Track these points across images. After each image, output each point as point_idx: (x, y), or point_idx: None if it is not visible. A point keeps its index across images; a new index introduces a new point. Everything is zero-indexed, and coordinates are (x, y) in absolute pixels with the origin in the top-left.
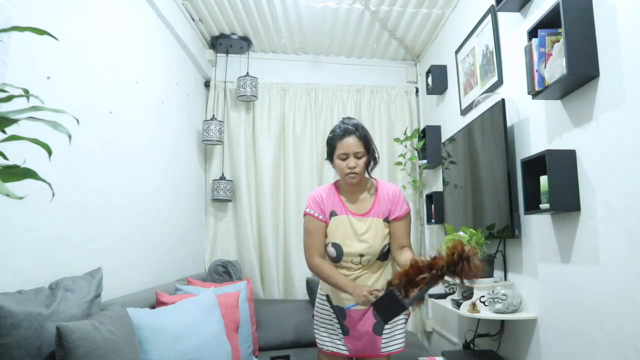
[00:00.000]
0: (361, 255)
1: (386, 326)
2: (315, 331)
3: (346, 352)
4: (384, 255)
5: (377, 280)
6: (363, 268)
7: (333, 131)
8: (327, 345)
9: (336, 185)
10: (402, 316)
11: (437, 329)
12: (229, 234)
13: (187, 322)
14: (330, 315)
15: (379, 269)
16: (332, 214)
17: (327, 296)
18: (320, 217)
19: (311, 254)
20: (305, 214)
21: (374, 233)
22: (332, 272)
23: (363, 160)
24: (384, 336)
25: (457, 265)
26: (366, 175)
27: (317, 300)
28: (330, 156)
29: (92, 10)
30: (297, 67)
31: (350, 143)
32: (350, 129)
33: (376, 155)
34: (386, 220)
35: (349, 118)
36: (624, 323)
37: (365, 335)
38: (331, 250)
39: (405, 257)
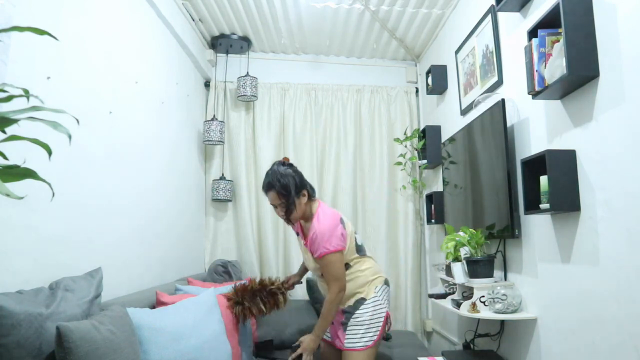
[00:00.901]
0: (315, 274)
1: (349, 326)
2: None
3: (328, 338)
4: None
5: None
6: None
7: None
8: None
9: None
10: (363, 317)
11: (437, 329)
12: (229, 234)
13: (187, 322)
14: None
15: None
16: (297, 234)
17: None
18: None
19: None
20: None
21: (311, 259)
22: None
23: (284, 207)
24: (347, 333)
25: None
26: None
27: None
28: None
29: (92, 10)
30: (297, 67)
31: (271, 197)
32: (267, 184)
33: (291, 203)
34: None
35: (274, 172)
36: (624, 323)
37: (337, 328)
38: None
39: (326, 299)
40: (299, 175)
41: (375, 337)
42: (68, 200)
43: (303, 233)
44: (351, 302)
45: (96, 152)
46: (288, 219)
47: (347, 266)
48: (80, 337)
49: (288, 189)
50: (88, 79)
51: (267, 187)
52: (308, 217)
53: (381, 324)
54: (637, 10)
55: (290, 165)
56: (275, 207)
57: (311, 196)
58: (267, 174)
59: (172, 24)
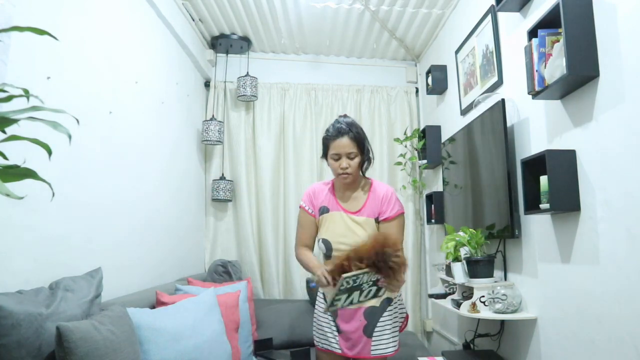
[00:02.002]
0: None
1: (376, 329)
2: (313, 328)
3: (338, 351)
4: None
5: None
6: None
7: (327, 130)
8: (321, 343)
9: (333, 181)
10: (389, 318)
11: (437, 329)
12: (229, 234)
13: (187, 322)
14: (326, 313)
15: None
16: (323, 209)
17: (324, 294)
18: (310, 210)
19: (298, 244)
20: (300, 207)
21: (362, 232)
22: (308, 258)
23: (356, 160)
24: (374, 338)
25: (377, 263)
26: (361, 174)
27: (317, 298)
28: (325, 155)
29: (92, 10)
30: (297, 67)
31: (343, 144)
32: (344, 128)
33: (370, 156)
34: (376, 220)
35: (344, 116)
36: (624, 323)
37: (356, 335)
38: (321, 246)
39: None
40: None
41: (398, 339)
42: (68, 200)
43: (340, 204)
44: (377, 303)
45: (96, 152)
46: (356, 173)
47: None
48: (80, 337)
49: (366, 140)
50: (88, 79)
51: (342, 132)
52: (356, 184)
53: (401, 325)
54: (637, 10)
55: None
56: (337, 158)
57: (370, 164)
58: (338, 121)
59: (172, 24)
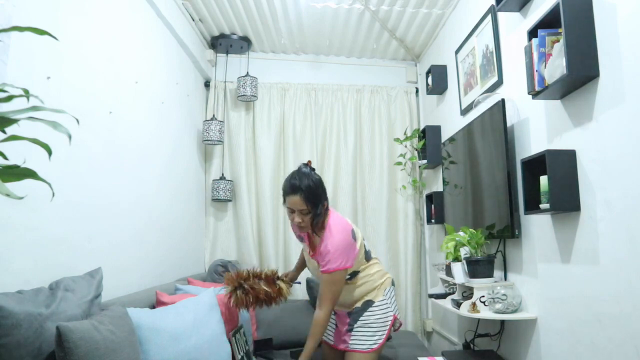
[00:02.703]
0: (315, 275)
1: (355, 327)
2: None
3: (331, 342)
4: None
5: (350, 293)
6: None
7: (285, 183)
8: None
9: None
10: (370, 318)
11: (437, 329)
12: (229, 233)
13: (187, 322)
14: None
15: (352, 285)
16: (300, 238)
17: None
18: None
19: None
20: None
21: (313, 268)
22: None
23: (308, 216)
24: (353, 333)
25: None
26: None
27: None
28: (284, 202)
29: (92, 10)
30: (297, 67)
31: (294, 201)
32: (296, 185)
33: (318, 213)
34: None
35: (303, 174)
36: (624, 323)
37: (343, 332)
38: None
39: (315, 316)
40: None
41: (380, 341)
42: (68, 200)
43: (310, 241)
44: (359, 304)
45: (96, 152)
46: (309, 228)
47: (356, 273)
48: (80, 337)
49: (319, 198)
50: (88, 79)
51: (294, 190)
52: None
53: (388, 327)
54: (637, 10)
55: (314, 171)
56: (292, 211)
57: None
58: (294, 176)
59: (172, 24)
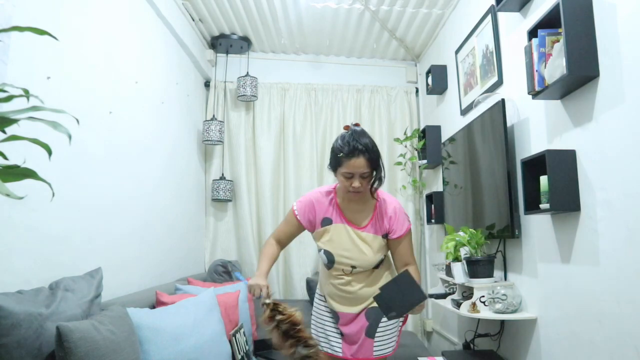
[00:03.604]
0: (353, 267)
1: (378, 329)
2: (312, 331)
3: (340, 354)
4: (377, 266)
5: (365, 287)
6: (354, 276)
7: (340, 145)
8: (322, 345)
9: (335, 190)
10: (393, 321)
11: (437, 329)
12: (229, 233)
13: (187, 322)
14: (327, 315)
15: (369, 275)
16: (326, 221)
17: (324, 296)
18: (300, 219)
19: (273, 235)
20: (291, 209)
21: (369, 248)
22: (263, 255)
23: (368, 179)
24: (376, 339)
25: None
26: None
27: (315, 300)
28: (333, 168)
29: (91, 10)
30: (297, 67)
31: (359, 164)
32: (360, 149)
33: (382, 175)
34: (384, 237)
35: (360, 133)
36: (624, 323)
37: (357, 337)
38: (323, 257)
39: (413, 274)
40: None
41: (397, 338)
42: (68, 200)
43: (344, 217)
44: (373, 302)
45: (96, 152)
46: (364, 193)
47: (382, 260)
48: (80, 337)
49: (380, 159)
50: (88, 78)
51: (357, 152)
52: (361, 196)
53: (402, 322)
54: (637, 10)
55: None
56: (348, 177)
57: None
58: (351, 137)
59: (172, 23)
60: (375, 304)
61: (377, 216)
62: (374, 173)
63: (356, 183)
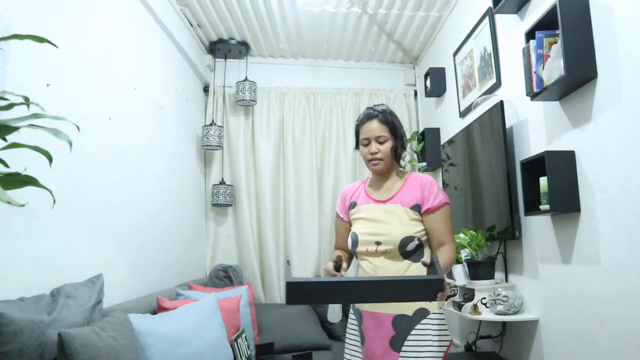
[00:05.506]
0: (377, 243)
1: (407, 342)
2: (345, 343)
3: None
4: (409, 253)
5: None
6: (384, 258)
7: (358, 118)
8: (346, 357)
9: (367, 180)
10: (425, 334)
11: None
12: (230, 238)
13: (188, 328)
14: (354, 325)
15: (404, 270)
16: (352, 205)
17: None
18: (341, 214)
19: (334, 247)
20: (336, 213)
21: (394, 219)
22: (336, 252)
23: (387, 145)
24: (402, 354)
25: None
26: (399, 167)
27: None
28: (356, 144)
29: (90, 17)
30: (296, 71)
31: (372, 127)
32: (373, 113)
33: (404, 141)
34: (415, 209)
35: (380, 105)
36: (625, 323)
37: (381, 347)
38: (349, 241)
39: (440, 252)
40: None
41: None
42: (69, 207)
43: (370, 197)
44: (409, 311)
45: (96, 159)
46: (387, 161)
47: (421, 246)
48: (82, 344)
49: (397, 126)
50: (87, 85)
51: (370, 116)
52: (390, 176)
53: (444, 353)
54: (633, 11)
55: None
56: (368, 142)
57: (399, 155)
58: (371, 107)
59: (171, 29)
60: (408, 314)
61: (406, 188)
62: (394, 139)
63: (373, 148)
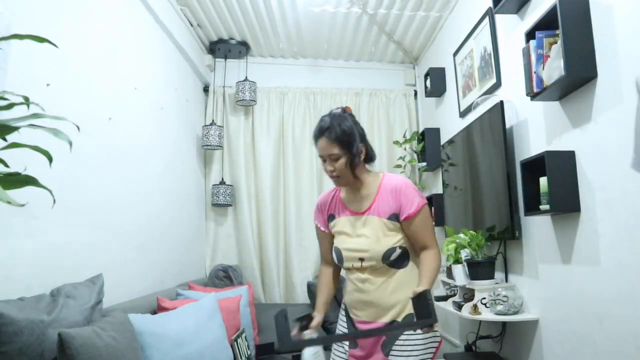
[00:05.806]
0: (361, 260)
1: (395, 347)
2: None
3: None
4: (394, 262)
5: (386, 294)
6: (370, 270)
7: (314, 130)
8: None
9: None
10: (414, 338)
11: (439, 331)
12: (230, 238)
13: (188, 328)
14: (343, 323)
15: (391, 278)
16: (330, 217)
17: (345, 305)
18: (321, 226)
19: (321, 261)
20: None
21: (372, 233)
22: (321, 285)
23: (341, 162)
24: (391, 358)
25: None
26: (368, 170)
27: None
28: None
29: (90, 17)
30: (296, 71)
31: (322, 146)
32: (322, 128)
33: (360, 151)
34: (393, 219)
35: (333, 116)
36: (625, 323)
37: (373, 352)
38: (334, 256)
39: (423, 259)
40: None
41: None
42: (69, 206)
43: (347, 208)
44: (399, 317)
45: (96, 158)
46: (348, 176)
47: (407, 257)
48: (82, 344)
49: (352, 136)
50: (87, 85)
51: (319, 132)
52: (362, 183)
53: (432, 354)
54: (633, 11)
55: (352, 116)
56: (324, 160)
57: (370, 158)
58: (323, 118)
59: (171, 29)
60: (398, 320)
61: (380, 197)
62: (348, 154)
63: (328, 166)
